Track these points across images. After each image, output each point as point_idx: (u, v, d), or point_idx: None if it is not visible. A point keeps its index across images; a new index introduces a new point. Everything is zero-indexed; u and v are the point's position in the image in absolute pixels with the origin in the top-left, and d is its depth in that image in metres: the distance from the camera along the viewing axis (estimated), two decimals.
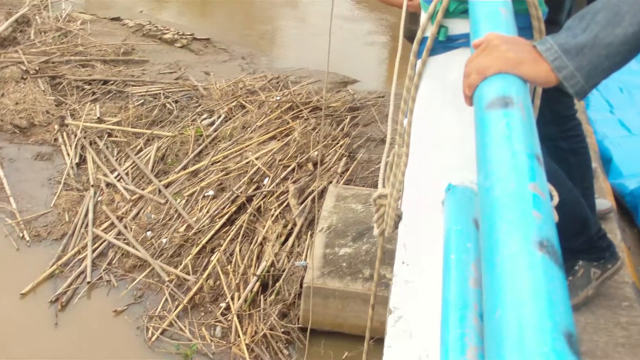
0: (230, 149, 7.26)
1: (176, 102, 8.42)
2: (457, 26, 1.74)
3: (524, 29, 1.76)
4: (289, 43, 11.46)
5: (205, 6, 14.19)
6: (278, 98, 8.21)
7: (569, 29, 1.42)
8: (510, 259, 0.78)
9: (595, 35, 1.39)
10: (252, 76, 9.26)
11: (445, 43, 1.76)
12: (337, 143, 7.35)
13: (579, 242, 3.20)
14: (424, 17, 1.78)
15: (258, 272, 5.66)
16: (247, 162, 6.94)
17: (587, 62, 1.40)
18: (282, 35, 12.03)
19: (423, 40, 1.79)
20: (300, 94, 8.38)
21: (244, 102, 8.19)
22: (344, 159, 7.08)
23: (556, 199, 2.00)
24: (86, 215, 6.51)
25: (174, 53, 10.27)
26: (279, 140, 7.36)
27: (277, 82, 8.94)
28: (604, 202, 4.07)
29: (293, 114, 7.84)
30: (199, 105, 8.31)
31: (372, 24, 11.76)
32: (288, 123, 7.64)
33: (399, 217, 1.77)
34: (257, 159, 6.97)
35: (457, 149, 1.58)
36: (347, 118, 7.96)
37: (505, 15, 1.38)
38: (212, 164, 7.05)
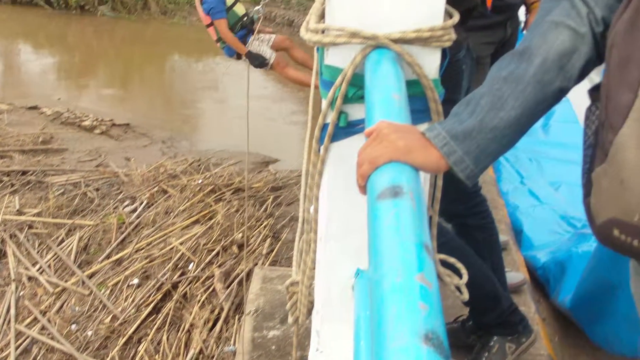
0: (153, 236, 7.18)
1: (97, 190, 8.32)
2: (357, 111, 1.77)
3: (421, 111, 1.80)
4: (209, 125, 11.51)
5: (124, 91, 14.19)
6: (200, 181, 8.19)
7: (456, 115, 1.46)
8: (396, 354, 0.78)
9: (481, 120, 1.43)
10: (173, 160, 9.24)
11: (347, 128, 1.79)
12: (261, 224, 7.34)
13: (491, 317, 3.23)
14: (324, 104, 1.80)
15: None
16: (171, 248, 6.87)
17: (475, 146, 1.44)
18: (202, 117, 12.08)
19: (324, 126, 1.81)
20: (222, 176, 8.38)
21: (165, 187, 8.14)
22: (269, 239, 7.06)
23: (465, 277, 2.02)
24: (8, 311, 6.33)
25: (94, 140, 10.21)
26: (202, 224, 7.31)
27: (199, 165, 8.94)
28: (517, 275, 4.13)
29: (216, 197, 7.82)
30: (121, 192, 8.23)
31: (297, 103, 11.92)
32: (211, 206, 7.61)
33: (311, 304, 1.77)
34: (181, 244, 6.90)
35: (364, 234, 1.58)
36: (269, 198, 7.97)
37: (398, 102, 1.41)
38: (136, 252, 6.95)
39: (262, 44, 7.61)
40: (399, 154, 1.32)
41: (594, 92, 1.54)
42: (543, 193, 5.39)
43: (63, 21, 23.90)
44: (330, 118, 1.78)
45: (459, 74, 2.56)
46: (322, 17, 1.87)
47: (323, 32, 1.77)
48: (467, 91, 2.66)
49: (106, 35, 22.94)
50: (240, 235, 6.90)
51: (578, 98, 1.56)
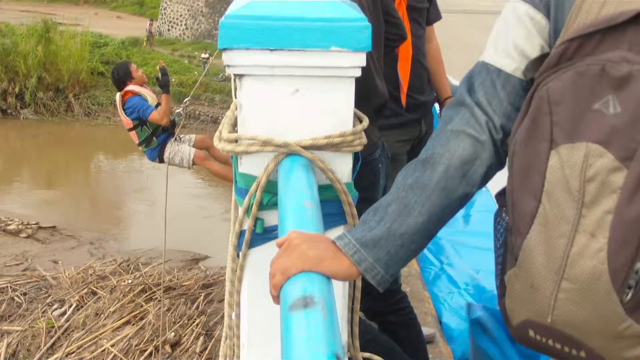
0: (84, 339, 7.05)
1: (25, 294, 8.17)
2: (273, 217, 1.81)
3: (337, 214, 1.85)
4: (138, 225, 11.45)
5: (50, 194, 14.05)
6: (130, 281, 8.11)
7: (365, 223, 1.51)
8: None
9: (389, 227, 1.49)
10: (102, 261, 9.15)
11: (264, 235, 1.82)
12: (193, 322, 7.27)
13: None
14: (240, 211, 1.83)
15: None
16: (103, 350, 6.75)
17: (384, 253, 1.48)
18: (130, 217, 12.02)
19: (241, 233, 1.84)
20: (152, 275, 8.30)
21: (95, 289, 8.03)
22: (202, 337, 6.99)
23: None
24: None
25: (20, 244, 10.06)
26: (133, 324, 7.22)
27: (128, 265, 8.86)
28: None
29: (146, 296, 7.74)
30: (49, 296, 8.09)
31: (230, 201, 11.93)
32: (142, 306, 7.52)
33: None
34: (112, 346, 6.79)
35: None
36: (201, 295, 7.91)
37: (310, 210, 1.45)
38: (67, 356, 6.81)
39: (182, 143, 7.64)
40: (310, 264, 1.36)
41: (500, 196, 1.61)
42: (462, 280, 5.44)
43: None
44: (247, 225, 1.82)
45: (376, 173, 2.63)
46: (235, 125, 1.92)
47: (236, 141, 1.82)
48: (384, 189, 2.71)
49: (30, 138, 22.77)
50: (173, 334, 6.82)
51: (498, 187, 1.62)
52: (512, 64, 1.54)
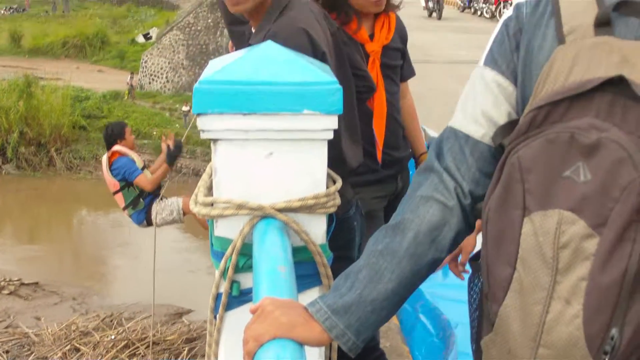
0: None
1: (7, 352, 8.09)
2: (249, 280, 1.82)
3: (311, 275, 1.87)
4: (121, 279, 11.40)
5: (32, 250, 13.97)
6: (113, 337, 8.04)
7: (336, 289, 1.53)
8: None
9: (360, 294, 1.50)
10: (85, 317, 9.06)
11: (240, 297, 1.84)
12: None
13: None
14: (216, 274, 1.85)
15: None
16: None
17: (355, 319, 1.50)
18: (113, 272, 11.97)
19: (218, 296, 1.85)
20: (136, 330, 8.24)
21: (78, 345, 7.97)
22: None
23: None
24: None
25: (2, 301, 9.98)
26: None
27: (111, 320, 8.79)
28: None
29: (130, 352, 7.68)
30: (32, 353, 8.02)
31: None
32: None
33: None
34: None
35: None
36: (184, 350, 7.86)
37: (284, 274, 1.47)
38: None
39: (168, 198, 7.60)
40: (283, 330, 1.37)
41: (473, 261, 1.62)
42: (438, 329, 5.43)
43: None
44: (223, 288, 1.83)
45: (351, 231, 2.64)
46: (211, 188, 1.94)
47: (212, 204, 1.84)
48: (359, 247, 2.72)
49: (12, 194, 22.67)
50: None
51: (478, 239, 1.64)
52: (480, 130, 1.55)
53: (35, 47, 39.77)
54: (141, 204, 7.47)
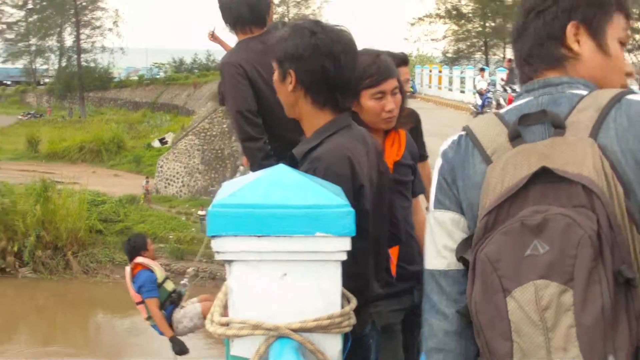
0: None
1: None
2: None
3: None
4: None
5: (49, 354, 13.89)
6: None
7: None
8: None
9: None
10: None
11: None
12: None
13: None
14: None
15: None
16: None
17: None
18: None
19: None
20: None
21: None
22: None
23: None
24: None
25: None
26: None
27: None
28: None
29: None
30: None
31: None
32: None
33: None
34: None
35: None
36: None
37: None
38: None
39: (186, 307, 7.61)
40: None
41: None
42: None
43: None
44: None
45: (367, 349, 2.64)
46: (226, 307, 1.96)
47: (227, 324, 1.86)
48: None
49: (28, 297, 22.66)
50: None
51: None
52: (445, 262, 1.83)
53: (52, 151, 40.36)
54: (163, 314, 7.49)
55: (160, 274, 7.58)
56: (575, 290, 1.50)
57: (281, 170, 1.96)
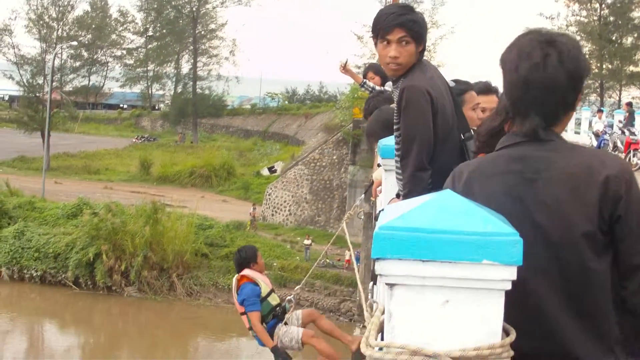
0: None
1: None
2: None
3: None
4: None
5: None
6: None
7: None
8: None
9: None
10: None
11: None
12: None
13: None
14: None
15: None
16: None
17: None
18: None
19: None
20: None
21: None
22: None
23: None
24: None
25: None
26: None
27: None
28: None
29: None
30: None
31: None
32: None
33: None
34: None
35: None
36: None
37: None
38: None
39: (290, 325, 7.69)
40: None
41: None
42: None
43: (89, 301, 24.24)
44: None
45: None
46: (380, 330, 1.95)
47: (383, 348, 1.85)
48: None
49: (132, 315, 23.17)
50: None
51: None
52: None
53: (163, 174, 41.36)
54: (264, 327, 7.58)
55: (265, 287, 7.69)
56: None
57: (448, 196, 1.95)
